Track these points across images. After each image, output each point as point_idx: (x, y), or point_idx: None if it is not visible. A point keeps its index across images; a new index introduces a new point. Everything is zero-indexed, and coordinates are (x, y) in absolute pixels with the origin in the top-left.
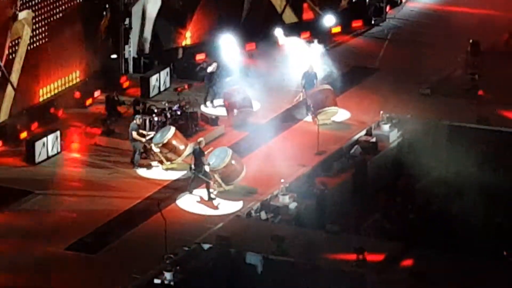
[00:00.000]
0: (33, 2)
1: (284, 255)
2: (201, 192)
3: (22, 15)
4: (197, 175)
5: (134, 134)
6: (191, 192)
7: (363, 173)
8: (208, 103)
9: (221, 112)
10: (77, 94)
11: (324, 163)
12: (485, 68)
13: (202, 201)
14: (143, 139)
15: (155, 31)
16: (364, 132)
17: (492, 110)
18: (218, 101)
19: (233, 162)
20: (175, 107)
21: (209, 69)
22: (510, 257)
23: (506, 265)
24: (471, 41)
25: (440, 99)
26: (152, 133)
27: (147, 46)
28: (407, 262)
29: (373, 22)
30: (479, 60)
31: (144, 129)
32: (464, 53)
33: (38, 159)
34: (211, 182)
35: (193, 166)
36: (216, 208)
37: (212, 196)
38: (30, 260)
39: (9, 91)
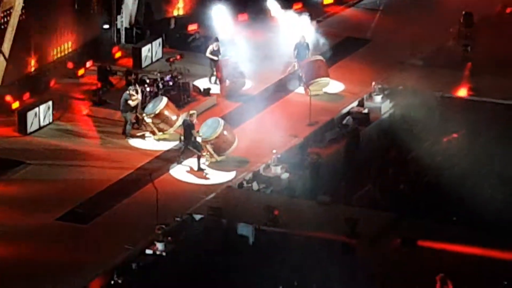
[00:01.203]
0: None
1: (276, 226)
2: (192, 162)
3: None
4: (187, 146)
5: (130, 102)
6: (180, 163)
7: (355, 142)
8: (212, 79)
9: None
10: (69, 64)
11: (316, 134)
12: (478, 39)
13: (193, 171)
14: (136, 101)
15: (147, 1)
16: (356, 103)
17: (484, 81)
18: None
19: (225, 132)
20: (167, 78)
21: (211, 47)
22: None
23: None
24: (464, 12)
25: (433, 70)
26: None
27: (139, 16)
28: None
29: None
30: (472, 31)
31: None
32: (457, 24)
33: (30, 129)
34: (202, 153)
35: (182, 137)
36: (207, 178)
37: (202, 166)
38: (21, 230)
39: (1, 61)
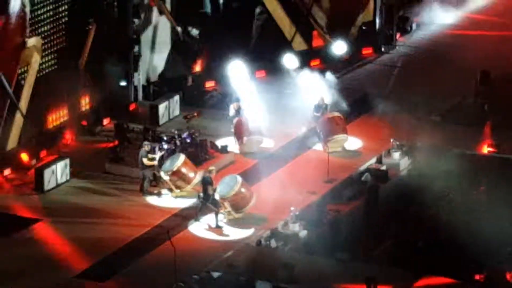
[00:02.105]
0: (42, 29)
1: (294, 284)
2: (210, 220)
3: (31, 42)
4: (205, 203)
5: (145, 160)
6: (198, 220)
7: (374, 199)
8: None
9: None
10: (86, 121)
11: (334, 190)
12: (495, 96)
13: (210, 229)
14: (155, 162)
15: (164, 58)
16: (374, 159)
17: (503, 137)
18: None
19: (242, 190)
20: (184, 135)
21: (232, 109)
22: None
23: None
24: (480, 70)
25: (450, 126)
26: (159, 154)
27: (156, 74)
28: None
29: (383, 49)
30: (489, 89)
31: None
32: (474, 82)
33: (47, 186)
34: (220, 210)
35: (201, 194)
36: (225, 235)
37: (220, 224)
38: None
39: (18, 118)
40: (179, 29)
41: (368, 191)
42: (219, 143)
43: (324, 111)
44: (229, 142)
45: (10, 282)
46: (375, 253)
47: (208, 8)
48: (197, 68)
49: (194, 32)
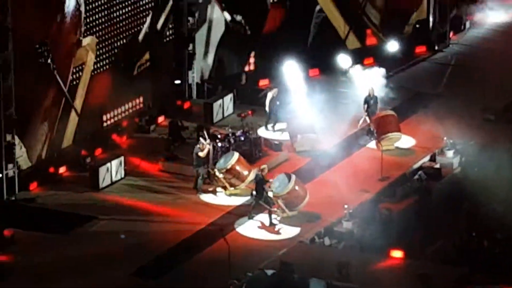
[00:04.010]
0: (97, 28)
1: (348, 282)
2: (263, 217)
3: (86, 41)
4: (258, 201)
5: (197, 155)
6: (252, 218)
7: (428, 198)
8: (269, 126)
9: (284, 137)
10: (139, 119)
11: (387, 189)
12: None
13: (264, 226)
14: (205, 151)
15: (218, 57)
16: (427, 158)
17: None
18: (279, 126)
19: (296, 188)
20: (238, 133)
21: (270, 94)
22: None
23: None
24: None
25: (504, 125)
26: (208, 143)
27: (210, 72)
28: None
29: (436, 47)
30: None
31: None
32: None
33: (102, 184)
34: (273, 208)
35: (254, 192)
36: (278, 233)
37: (274, 221)
38: (94, 285)
39: (73, 117)
40: (226, 15)
41: (420, 190)
42: (273, 141)
43: (375, 103)
44: (283, 140)
45: (68, 280)
46: (428, 251)
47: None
48: (250, 64)
49: (238, 17)
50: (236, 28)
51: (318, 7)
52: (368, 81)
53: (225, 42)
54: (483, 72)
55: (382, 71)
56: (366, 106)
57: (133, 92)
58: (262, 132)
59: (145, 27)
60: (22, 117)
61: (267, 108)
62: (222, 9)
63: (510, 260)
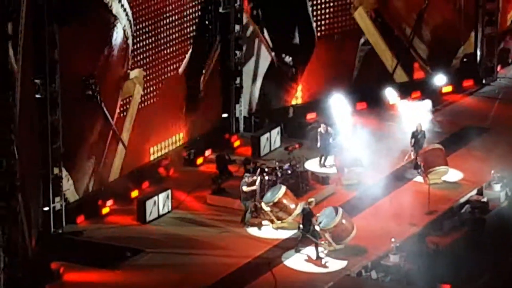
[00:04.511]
0: (145, 61)
1: None
2: (310, 251)
3: (133, 73)
4: (305, 235)
5: (244, 187)
6: (299, 251)
7: (480, 231)
8: (322, 163)
9: (331, 171)
10: (186, 153)
11: (434, 222)
12: None
13: (310, 260)
14: (254, 187)
15: (265, 90)
16: (475, 191)
17: None
18: (329, 161)
19: (343, 221)
20: (285, 166)
21: (320, 130)
22: None
23: None
24: None
25: None
26: (259, 179)
27: (256, 105)
28: None
29: (484, 81)
30: None
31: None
32: None
33: (149, 217)
34: (320, 241)
35: (301, 226)
36: (325, 267)
37: (321, 255)
38: None
39: (120, 150)
40: (273, 54)
41: (474, 223)
42: (320, 174)
43: (422, 138)
44: (330, 173)
45: None
46: (477, 285)
47: (297, 39)
48: (294, 97)
49: (287, 59)
50: (284, 68)
51: (362, 40)
52: (416, 115)
53: (271, 75)
54: None
55: (429, 104)
56: (413, 141)
57: (181, 125)
58: (312, 166)
59: (185, 60)
60: (69, 150)
61: (318, 144)
62: (269, 50)
63: None
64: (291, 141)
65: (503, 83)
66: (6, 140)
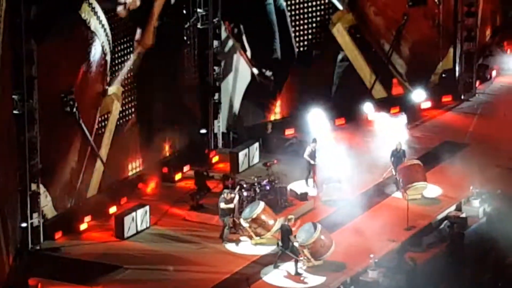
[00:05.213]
0: (123, 77)
1: None
2: (289, 266)
3: (111, 90)
4: (284, 251)
5: (222, 204)
6: (277, 267)
7: (460, 244)
8: (309, 181)
9: (310, 186)
10: (166, 169)
11: (413, 238)
12: None
13: (289, 276)
14: (231, 205)
15: (244, 105)
16: (454, 207)
17: None
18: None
19: (322, 237)
20: (264, 182)
21: (309, 148)
22: None
23: None
24: None
25: None
26: (236, 197)
27: (235, 121)
28: None
29: (463, 97)
30: None
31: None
32: None
33: (127, 234)
34: (299, 257)
35: (280, 242)
36: (304, 283)
37: (300, 270)
38: None
39: (99, 166)
40: (254, 70)
41: (453, 238)
42: (298, 190)
43: (401, 157)
44: (308, 189)
45: None
46: None
47: (278, 54)
48: (273, 113)
49: (268, 73)
50: (265, 82)
51: (340, 56)
52: (394, 130)
53: (250, 91)
54: (509, 121)
55: (405, 119)
56: (392, 159)
57: (159, 141)
58: (301, 187)
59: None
60: (47, 166)
61: (307, 162)
62: (251, 65)
63: None
64: (269, 157)
65: (481, 98)
66: None
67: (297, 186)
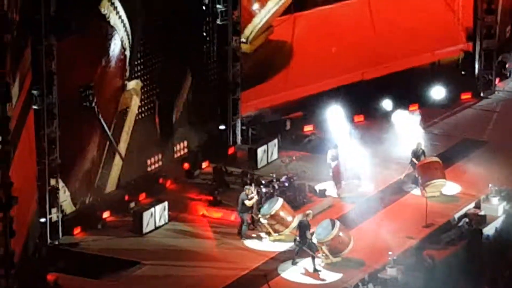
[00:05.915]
0: (142, 72)
1: None
2: (306, 263)
3: (130, 85)
4: (302, 247)
5: (246, 202)
6: (295, 264)
7: (477, 243)
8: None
9: (329, 183)
10: (185, 165)
11: (432, 235)
12: None
13: (307, 272)
14: (253, 201)
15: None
16: (472, 204)
17: None
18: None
19: (340, 234)
20: (282, 179)
21: (331, 154)
22: None
23: None
24: None
25: None
26: (254, 195)
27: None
28: None
29: (482, 94)
30: None
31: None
32: None
33: (145, 229)
34: (317, 254)
35: (297, 238)
36: (322, 279)
37: (318, 267)
38: None
39: (117, 161)
40: None
41: (471, 235)
42: (318, 187)
43: (421, 156)
44: (327, 186)
45: None
46: None
47: None
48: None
49: None
50: None
51: None
52: (413, 127)
53: None
54: None
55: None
56: (413, 159)
57: (178, 137)
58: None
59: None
60: (67, 161)
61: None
62: None
63: None
64: (288, 153)
65: (501, 96)
66: (2, 151)
67: (316, 183)
